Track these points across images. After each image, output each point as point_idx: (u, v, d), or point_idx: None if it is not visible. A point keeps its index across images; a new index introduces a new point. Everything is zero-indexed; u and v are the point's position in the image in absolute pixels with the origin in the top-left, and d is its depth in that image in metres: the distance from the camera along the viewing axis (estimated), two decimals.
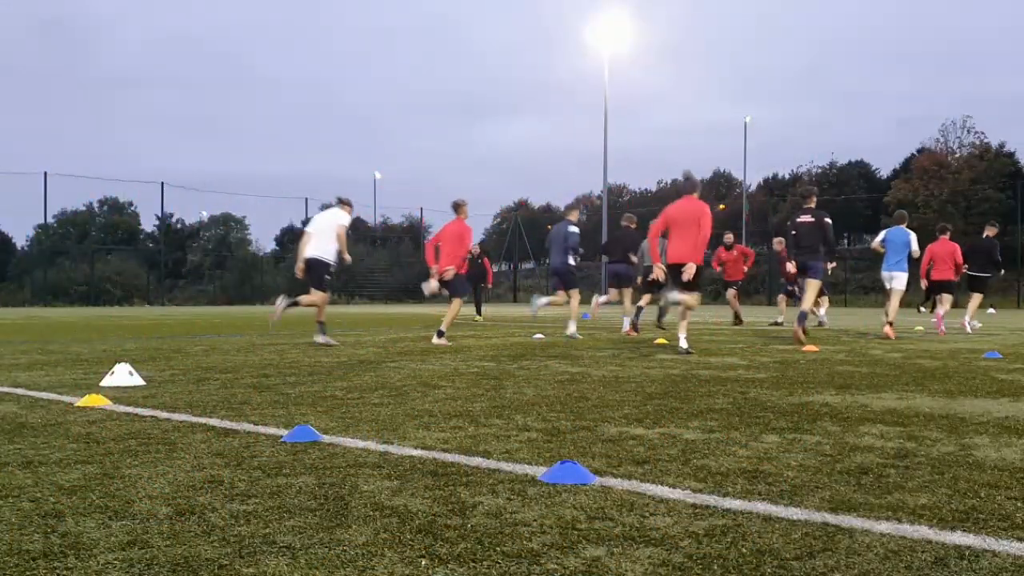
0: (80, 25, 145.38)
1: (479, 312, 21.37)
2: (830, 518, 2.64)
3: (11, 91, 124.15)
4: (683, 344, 9.29)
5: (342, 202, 11.04)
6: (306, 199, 69.51)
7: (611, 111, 53.19)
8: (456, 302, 11.04)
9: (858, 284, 44.22)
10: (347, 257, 10.83)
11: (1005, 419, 4.69)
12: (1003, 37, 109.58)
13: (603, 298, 15.64)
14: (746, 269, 18.86)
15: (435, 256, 11.16)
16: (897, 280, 12.95)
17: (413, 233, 64.11)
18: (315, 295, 10.71)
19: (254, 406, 5.13)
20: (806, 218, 11.56)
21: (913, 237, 12.97)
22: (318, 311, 10.79)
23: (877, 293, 41.57)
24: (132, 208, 70.80)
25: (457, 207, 11.23)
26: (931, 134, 79.01)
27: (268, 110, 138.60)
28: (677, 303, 9.52)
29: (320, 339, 10.58)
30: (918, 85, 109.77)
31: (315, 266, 10.69)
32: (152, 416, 4.72)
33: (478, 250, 21.34)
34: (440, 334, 10.91)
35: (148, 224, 68.97)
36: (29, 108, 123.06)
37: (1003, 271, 16.07)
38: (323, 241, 10.67)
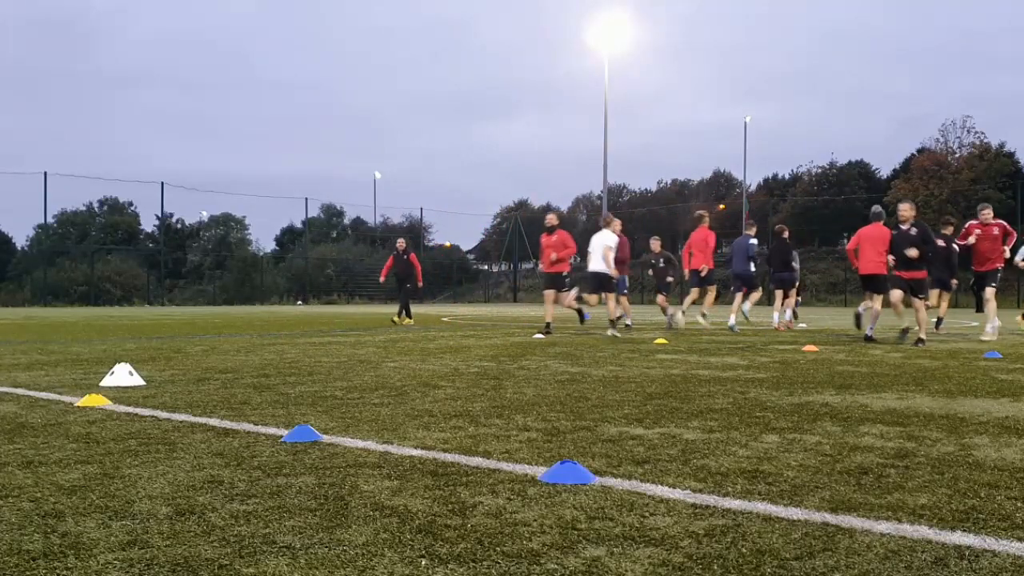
0: (80, 25, 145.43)
1: (407, 314, 18.46)
2: (830, 518, 2.64)
3: (11, 91, 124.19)
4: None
5: (607, 220, 13.96)
6: (306, 199, 69.58)
7: (611, 111, 53.20)
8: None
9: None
10: (613, 272, 13.44)
11: (1005, 419, 4.69)
12: (1003, 37, 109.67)
13: (748, 304, 15.71)
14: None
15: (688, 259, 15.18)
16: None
17: (413, 233, 64.14)
18: (608, 298, 13.50)
19: (254, 406, 5.13)
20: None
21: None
22: (610, 311, 13.48)
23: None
24: (132, 208, 70.85)
25: (700, 217, 15.40)
26: (931, 134, 79.10)
27: (268, 110, 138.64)
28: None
29: (610, 332, 12.93)
30: (918, 85, 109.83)
31: (598, 277, 13.47)
32: (152, 416, 4.72)
33: (404, 244, 19.09)
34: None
35: (148, 224, 69.00)
36: (29, 108, 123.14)
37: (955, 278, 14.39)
38: (598, 257, 13.45)
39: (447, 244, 66.80)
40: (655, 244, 17.52)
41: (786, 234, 16.30)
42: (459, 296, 55.61)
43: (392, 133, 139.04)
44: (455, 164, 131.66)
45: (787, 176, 66.69)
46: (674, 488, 3.03)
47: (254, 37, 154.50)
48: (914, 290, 11.04)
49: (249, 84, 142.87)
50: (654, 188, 77.41)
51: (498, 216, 75.90)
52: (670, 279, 17.05)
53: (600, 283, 13.36)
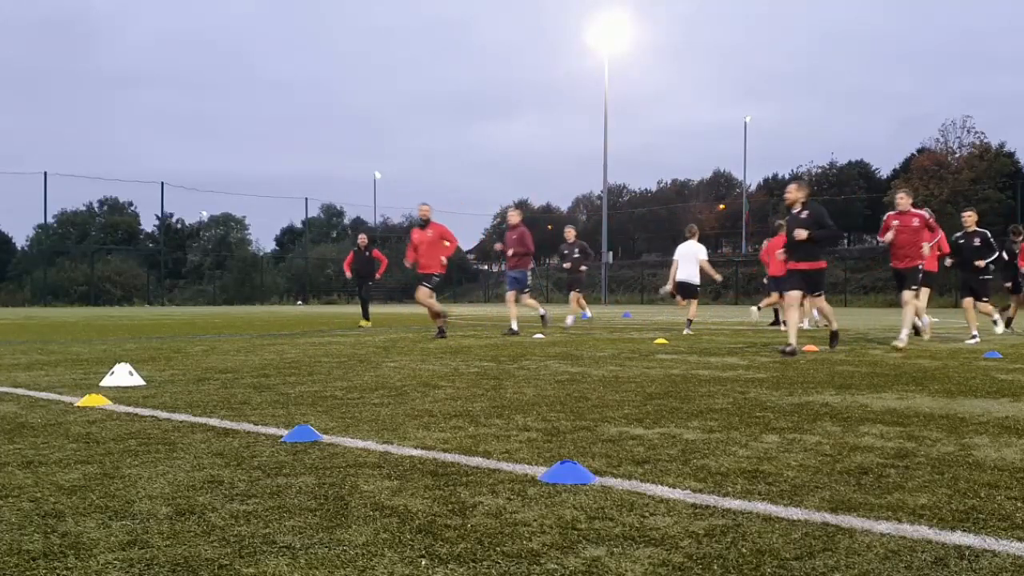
0: (80, 25, 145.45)
1: (365, 315, 17.26)
2: (830, 518, 2.64)
3: (11, 91, 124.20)
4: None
5: (692, 231, 14.34)
6: (306, 199, 69.62)
7: (611, 111, 53.18)
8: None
9: (858, 284, 44.25)
10: (716, 276, 14.54)
11: (1005, 419, 4.69)
12: (1003, 37, 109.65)
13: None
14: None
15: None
16: None
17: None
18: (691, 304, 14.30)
19: (254, 406, 5.13)
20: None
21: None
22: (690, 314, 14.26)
23: (877, 293, 41.59)
24: (132, 208, 70.83)
25: (780, 227, 14.25)
26: (931, 134, 79.06)
27: (268, 110, 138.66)
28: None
29: (687, 331, 13.68)
30: (918, 85, 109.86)
31: (686, 286, 14.14)
32: (152, 416, 4.72)
33: (365, 240, 17.76)
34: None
35: (148, 224, 68.98)
36: (29, 108, 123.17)
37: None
38: (689, 265, 13.98)
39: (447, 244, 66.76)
40: (569, 233, 16.58)
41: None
42: (459, 296, 55.61)
43: (392, 133, 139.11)
44: (455, 164, 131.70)
45: (787, 176, 66.66)
46: (674, 488, 3.03)
47: (254, 37, 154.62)
48: (812, 285, 9.82)
49: (249, 84, 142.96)
50: (654, 188, 77.45)
51: (498, 216, 75.88)
52: (583, 269, 16.23)
53: (689, 291, 14.18)
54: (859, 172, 62.60)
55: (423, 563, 2.22)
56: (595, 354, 9.30)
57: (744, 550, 2.32)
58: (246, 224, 71.98)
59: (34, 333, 13.96)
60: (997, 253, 11.77)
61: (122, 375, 6.23)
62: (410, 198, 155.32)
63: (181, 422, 4.51)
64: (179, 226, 69.35)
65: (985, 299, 11.45)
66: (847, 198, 58.21)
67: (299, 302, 46.72)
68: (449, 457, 3.58)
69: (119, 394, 5.62)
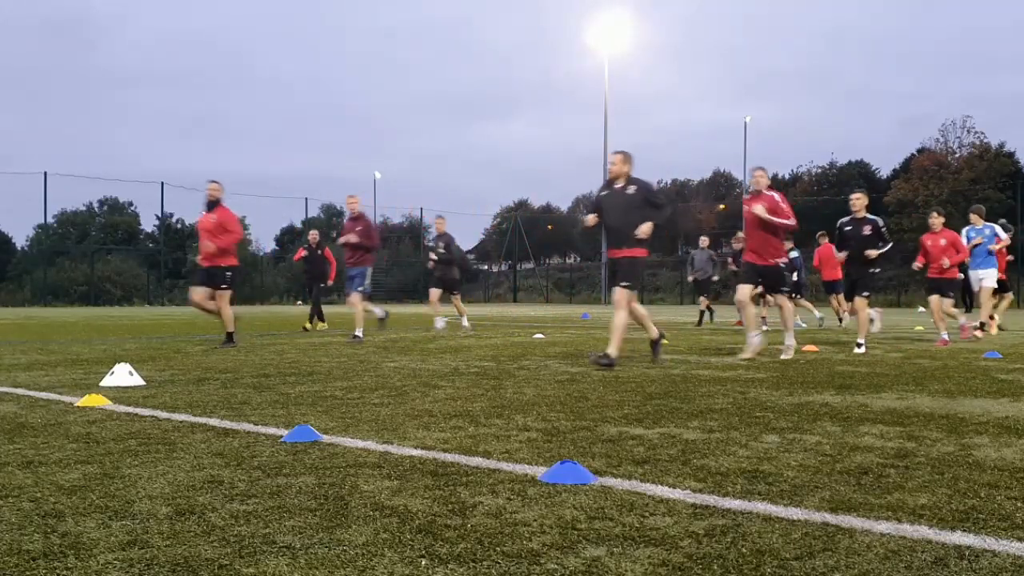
0: (80, 25, 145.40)
1: (320, 317, 15.74)
2: (830, 518, 2.64)
3: (11, 91, 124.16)
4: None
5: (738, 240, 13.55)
6: (306, 199, 69.51)
7: (611, 111, 53.18)
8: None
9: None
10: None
11: (1005, 419, 4.69)
12: (1003, 37, 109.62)
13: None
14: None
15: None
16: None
17: (413, 233, 64.09)
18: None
19: (254, 406, 5.13)
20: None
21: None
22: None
23: (877, 292, 41.54)
24: (132, 208, 70.82)
25: (824, 235, 14.09)
26: (931, 134, 79.08)
27: (269, 110, 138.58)
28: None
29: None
30: (918, 85, 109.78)
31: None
32: (152, 416, 4.72)
33: (317, 237, 16.15)
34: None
35: (148, 224, 68.96)
36: (29, 108, 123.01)
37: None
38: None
39: None
40: (440, 224, 14.92)
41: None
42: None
43: (392, 133, 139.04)
44: (455, 164, 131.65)
45: (787, 176, 66.68)
46: (674, 488, 3.03)
47: (254, 37, 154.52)
48: (769, 283, 9.19)
49: (249, 84, 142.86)
50: (654, 188, 77.34)
51: (498, 216, 75.89)
52: (454, 271, 14.34)
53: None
54: (859, 172, 62.56)
55: (423, 563, 2.22)
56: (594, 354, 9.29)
57: (744, 550, 2.32)
58: (246, 224, 71.97)
59: (34, 333, 13.96)
60: (891, 243, 10.26)
61: (122, 375, 6.23)
62: (410, 198, 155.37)
63: (181, 422, 4.51)
64: (179, 226, 69.35)
65: (866, 294, 10.06)
66: (847, 198, 58.17)
67: (299, 302, 46.73)
68: (449, 457, 3.58)
69: (119, 394, 5.62)
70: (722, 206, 64.64)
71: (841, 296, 16.95)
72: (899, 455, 3.64)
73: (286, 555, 2.28)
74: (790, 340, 9.06)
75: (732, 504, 2.81)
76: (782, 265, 9.06)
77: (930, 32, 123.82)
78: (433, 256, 14.51)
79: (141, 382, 6.21)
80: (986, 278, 12.59)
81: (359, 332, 11.60)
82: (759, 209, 8.75)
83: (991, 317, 12.83)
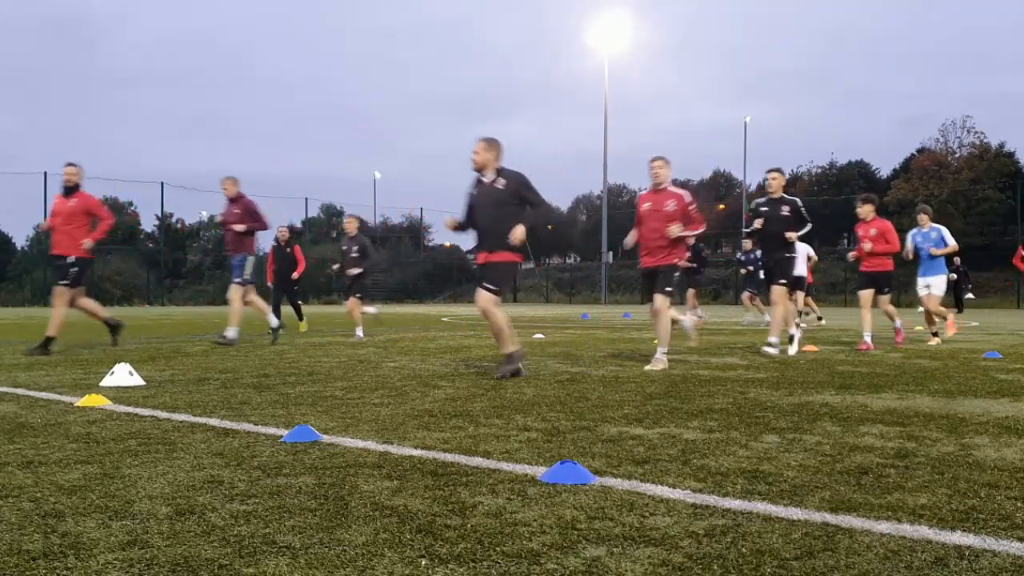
0: (80, 25, 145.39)
1: (299, 315, 15.07)
2: (830, 518, 2.64)
3: (11, 91, 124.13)
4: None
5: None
6: (306, 199, 69.59)
7: (611, 111, 53.19)
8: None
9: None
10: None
11: (1005, 419, 4.68)
12: (1003, 37, 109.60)
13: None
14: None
15: None
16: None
17: (413, 233, 64.09)
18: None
19: (254, 406, 5.13)
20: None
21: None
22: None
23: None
24: (132, 208, 70.80)
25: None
26: (931, 134, 79.06)
27: (268, 110, 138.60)
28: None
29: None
30: (919, 85, 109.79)
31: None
32: (152, 416, 4.72)
33: (286, 234, 15.12)
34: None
35: (148, 224, 68.95)
36: (29, 108, 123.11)
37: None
38: (800, 264, 12.85)
39: (447, 244, 66.76)
40: (351, 224, 13.65)
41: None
42: (459, 296, 55.56)
43: (392, 133, 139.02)
44: (455, 164, 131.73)
45: (787, 176, 66.76)
46: (674, 488, 3.03)
47: (254, 37, 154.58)
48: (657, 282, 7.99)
49: (249, 84, 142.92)
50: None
51: None
52: (358, 271, 12.91)
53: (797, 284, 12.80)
54: (859, 172, 62.61)
55: (423, 563, 2.22)
56: (595, 354, 9.30)
57: (744, 550, 2.32)
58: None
59: (34, 333, 13.95)
60: (810, 225, 9.33)
61: (122, 375, 6.23)
62: (410, 198, 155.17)
63: (181, 422, 4.51)
64: (179, 226, 69.33)
65: (783, 282, 9.24)
66: (847, 198, 58.19)
67: (300, 302, 46.71)
68: (449, 457, 3.58)
69: (119, 394, 5.62)
70: (722, 206, 64.64)
71: (799, 294, 16.91)
72: (899, 455, 3.64)
73: (286, 555, 2.28)
74: (773, 339, 9.12)
75: (732, 504, 2.81)
76: (676, 266, 7.96)
77: (930, 32, 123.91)
78: (352, 269, 12.93)
79: (141, 382, 6.21)
80: (934, 285, 11.47)
81: (231, 332, 10.42)
82: (674, 230, 7.73)
83: (934, 324, 11.56)
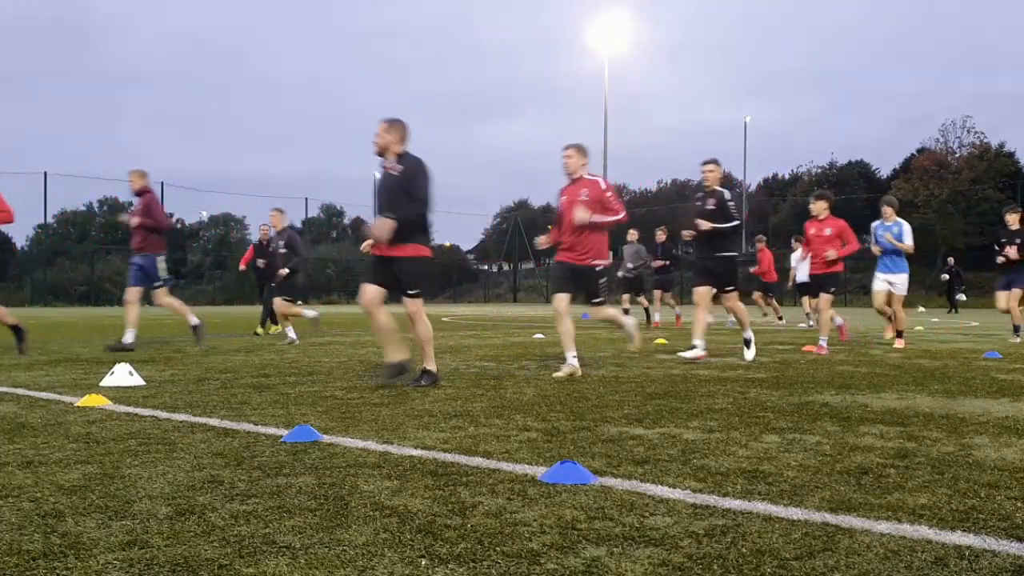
0: (80, 25, 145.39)
1: (273, 319, 13.71)
2: (830, 518, 2.64)
3: (11, 91, 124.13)
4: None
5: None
6: (306, 199, 69.56)
7: (611, 111, 53.22)
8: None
9: (858, 284, 44.22)
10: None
11: (1005, 419, 4.68)
12: (1003, 37, 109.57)
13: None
14: None
15: None
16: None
17: None
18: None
19: (254, 406, 5.13)
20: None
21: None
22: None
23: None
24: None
25: None
26: (931, 134, 78.97)
27: (268, 110, 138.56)
28: None
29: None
30: (919, 85, 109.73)
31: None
32: (152, 416, 4.72)
33: (269, 232, 13.89)
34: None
35: None
36: (29, 108, 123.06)
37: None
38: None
39: (447, 244, 66.78)
40: (275, 219, 12.64)
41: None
42: (459, 296, 55.62)
43: None
44: (455, 164, 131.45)
45: (787, 176, 66.69)
46: (674, 488, 3.03)
47: (254, 37, 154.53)
48: (585, 288, 7.37)
49: (249, 84, 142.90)
50: (654, 188, 77.29)
51: (498, 216, 75.85)
52: (298, 276, 12.07)
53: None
54: (859, 172, 62.57)
55: (423, 563, 2.22)
56: (595, 354, 9.30)
57: (744, 550, 2.32)
58: (246, 224, 71.96)
59: (34, 333, 13.95)
60: (736, 222, 8.59)
61: (122, 375, 6.23)
62: None
63: (181, 422, 4.51)
64: (179, 226, 69.32)
65: (731, 289, 8.64)
66: (847, 198, 58.17)
67: (299, 302, 46.71)
68: (449, 457, 3.58)
69: (119, 394, 5.62)
70: None
71: (759, 294, 16.84)
72: (899, 455, 3.64)
73: (286, 555, 2.28)
74: (698, 341, 8.49)
75: (732, 504, 2.81)
76: (599, 268, 7.23)
77: (930, 32, 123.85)
78: (261, 262, 11.72)
79: (141, 382, 6.20)
80: (897, 284, 10.85)
81: (129, 338, 9.80)
82: (581, 214, 6.97)
83: (897, 330, 10.81)
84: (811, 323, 15.68)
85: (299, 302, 12.37)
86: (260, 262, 14.09)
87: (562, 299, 7.25)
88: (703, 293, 8.74)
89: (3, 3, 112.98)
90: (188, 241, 69.53)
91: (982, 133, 50.62)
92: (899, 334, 10.73)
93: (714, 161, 8.93)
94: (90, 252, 45.81)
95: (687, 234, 8.77)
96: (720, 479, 3.17)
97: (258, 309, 14.22)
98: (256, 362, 8.20)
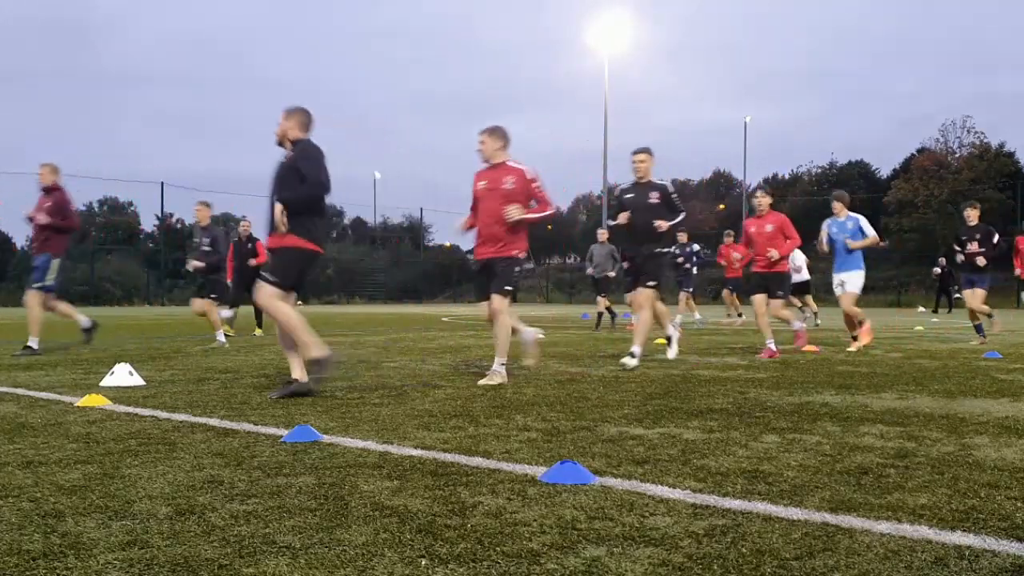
0: (80, 25, 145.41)
1: (229, 323, 12.70)
2: (830, 518, 2.64)
3: (11, 91, 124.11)
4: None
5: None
6: None
7: (611, 111, 53.20)
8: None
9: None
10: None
11: (1005, 419, 4.68)
12: (1003, 37, 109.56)
13: None
14: None
15: None
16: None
17: (413, 233, 64.07)
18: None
19: (254, 406, 5.13)
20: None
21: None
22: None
23: (877, 293, 41.58)
24: (132, 208, 70.80)
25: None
26: (931, 134, 79.00)
27: (269, 109, 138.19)
28: None
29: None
30: (919, 85, 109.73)
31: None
32: (152, 416, 4.72)
33: (249, 228, 13.91)
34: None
35: (148, 224, 68.98)
36: (29, 108, 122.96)
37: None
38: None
39: (447, 244, 66.76)
40: (201, 213, 11.43)
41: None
42: (459, 296, 55.59)
43: (392, 133, 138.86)
44: (455, 164, 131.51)
45: (787, 176, 66.69)
46: (674, 488, 3.03)
47: (254, 37, 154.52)
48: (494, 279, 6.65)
49: (249, 83, 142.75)
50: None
51: None
52: (202, 265, 11.00)
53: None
54: (859, 172, 62.59)
55: (423, 563, 2.22)
56: (595, 354, 9.30)
57: (744, 550, 2.32)
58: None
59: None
60: (683, 214, 7.95)
61: (122, 375, 6.23)
62: (410, 198, 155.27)
63: (181, 422, 4.51)
64: (179, 226, 69.36)
65: (651, 284, 7.90)
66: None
67: (299, 302, 46.74)
68: (449, 457, 3.58)
69: (119, 394, 5.62)
70: (722, 206, 64.65)
71: (727, 292, 16.63)
72: (899, 455, 3.64)
73: (286, 555, 2.28)
74: (636, 348, 7.76)
75: (732, 504, 2.81)
76: (520, 258, 6.65)
77: (930, 32, 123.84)
78: (195, 263, 11.08)
79: (141, 382, 6.21)
80: (848, 282, 10.20)
81: (33, 342, 9.26)
82: (514, 213, 6.44)
83: (854, 327, 10.33)
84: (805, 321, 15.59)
85: (225, 304, 11.76)
86: (252, 261, 13.84)
87: (494, 300, 6.62)
88: (648, 296, 7.97)
89: (3, 3, 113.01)
90: (188, 241, 69.52)
91: (982, 133, 50.74)
92: (858, 326, 10.20)
93: (645, 150, 8.11)
94: (90, 252, 45.82)
95: (624, 217, 8.00)
96: (720, 479, 3.17)
97: (246, 309, 14.06)
98: (256, 362, 8.20)
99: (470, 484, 3.09)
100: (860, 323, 10.22)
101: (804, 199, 58.26)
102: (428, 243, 66.22)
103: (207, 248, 11.04)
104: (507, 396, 5.60)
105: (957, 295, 30.54)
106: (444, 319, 21.25)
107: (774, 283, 9.68)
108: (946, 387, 6.20)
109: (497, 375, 6.46)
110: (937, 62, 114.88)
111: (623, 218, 7.98)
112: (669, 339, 8.59)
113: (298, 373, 5.73)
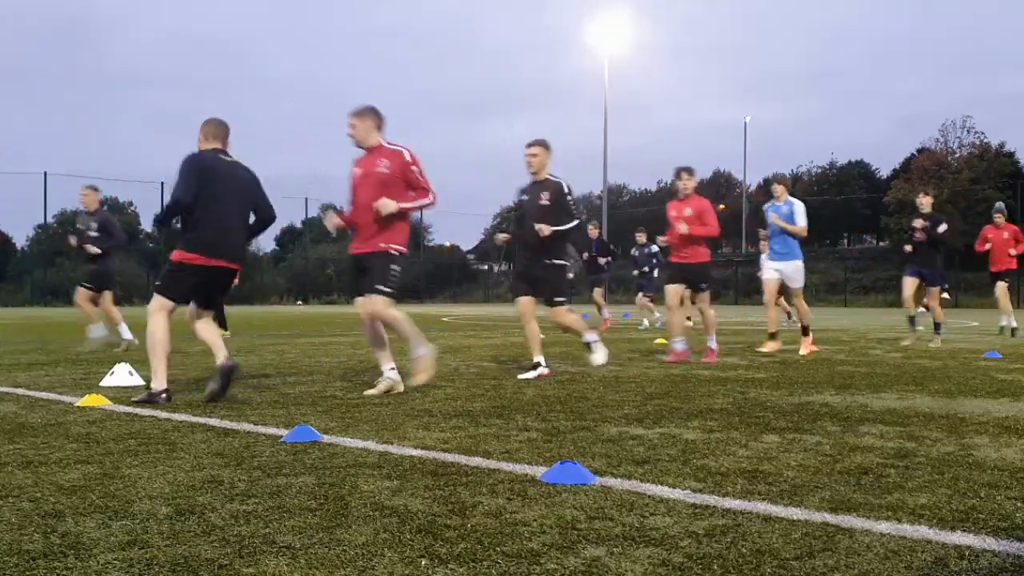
0: (81, 24, 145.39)
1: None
2: (830, 518, 2.64)
3: (11, 91, 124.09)
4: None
5: None
6: (306, 199, 69.40)
7: (611, 111, 53.22)
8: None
9: (858, 284, 44.22)
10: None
11: (1005, 419, 4.68)
12: (1003, 37, 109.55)
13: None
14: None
15: None
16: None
17: (413, 233, 63.93)
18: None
19: (254, 406, 5.13)
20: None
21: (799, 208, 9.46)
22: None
23: (877, 292, 41.56)
24: (132, 208, 70.78)
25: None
26: (931, 134, 78.97)
27: (268, 109, 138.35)
28: None
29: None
30: (919, 85, 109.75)
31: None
32: (152, 416, 4.72)
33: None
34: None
35: (148, 224, 68.96)
36: (29, 108, 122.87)
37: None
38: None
39: (447, 244, 66.79)
40: (87, 197, 10.55)
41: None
42: (459, 296, 55.62)
43: (392, 133, 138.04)
44: (455, 164, 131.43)
45: (787, 176, 66.76)
46: (674, 488, 3.03)
47: (254, 37, 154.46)
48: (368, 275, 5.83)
49: (249, 83, 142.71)
50: (654, 188, 77.28)
51: (498, 216, 75.85)
52: (109, 263, 10.71)
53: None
54: (859, 172, 62.63)
55: (423, 563, 2.22)
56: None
57: (744, 550, 2.32)
58: None
59: (34, 333, 13.96)
60: (576, 221, 6.96)
61: (122, 375, 6.23)
62: None
63: (181, 422, 4.51)
64: (179, 226, 69.35)
65: (558, 300, 7.05)
66: (847, 198, 58.19)
67: (299, 302, 46.73)
68: (449, 457, 3.58)
69: (119, 394, 5.62)
70: (722, 206, 64.65)
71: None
72: (899, 455, 3.64)
73: (286, 555, 2.28)
74: (593, 337, 7.46)
75: (732, 504, 2.81)
76: (394, 253, 5.84)
77: (930, 32, 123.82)
78: (73, 241, 10.49)
79: (141, 382, 6.21)
80: (788, 273, 9.50)
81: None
82: (388, 205, 5.69)
83: (803, 326, 9.64)
84: (792, 320, 15.32)
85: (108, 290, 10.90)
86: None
87: (365, 302, 5.84)
88: (560, 312, 7.14)
89: (3, 3, 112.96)
90: (70, 228, 69.48)
91: (982, 133, 50.67)
92: (805, 331, 9.54)
93: (540, 143, 7.11)
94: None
95: (502, 238, 7.55)
96: (720, 479, 3.17)
97: (246, 310, 13.97)
98: (256, 362, 8.20)
99: (470, 484, 3.09)
100: (805, 330, 9.59)
101: (804, 199, 58.19)
102: (428, 243, 66.20)
103: (94, 234, 10.24)
104: (507, 396, 5.59)
105: (946, 296, 30.43)
106: (444, 319, 21.25)
107: (696, 275, 8.70)
108: (946, 387, 6.20)
109: (387, 381, 5.76)
110: (937, 62, 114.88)
111: (501, 239, 7.51)
112: (589, 344, 7.49)
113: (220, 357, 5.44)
